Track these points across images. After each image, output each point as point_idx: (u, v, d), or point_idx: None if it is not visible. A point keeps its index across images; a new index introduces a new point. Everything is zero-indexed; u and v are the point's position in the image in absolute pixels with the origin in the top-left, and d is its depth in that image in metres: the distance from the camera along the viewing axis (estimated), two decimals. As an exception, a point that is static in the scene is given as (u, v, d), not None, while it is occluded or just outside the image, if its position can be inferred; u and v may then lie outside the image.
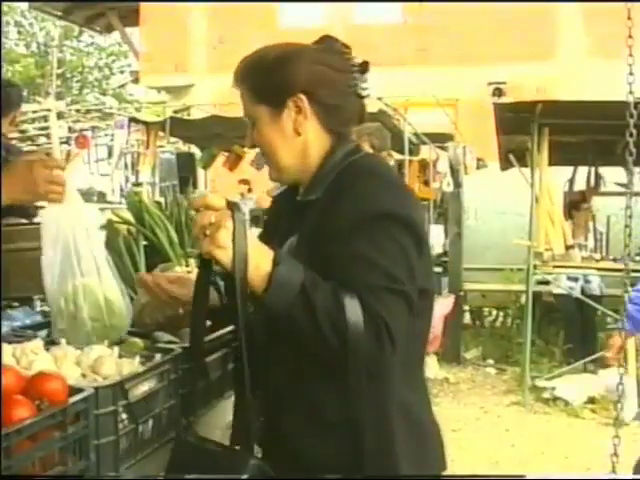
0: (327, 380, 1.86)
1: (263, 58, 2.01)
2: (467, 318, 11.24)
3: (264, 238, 2.09)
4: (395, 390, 1.93)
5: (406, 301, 1.78)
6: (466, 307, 10.92)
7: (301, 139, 1.98)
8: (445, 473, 2.08)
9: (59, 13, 23.36)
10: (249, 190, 14.17)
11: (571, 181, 10.28)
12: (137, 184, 13.43)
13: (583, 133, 8.69)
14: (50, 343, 2.28)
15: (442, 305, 8.61)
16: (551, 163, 8.49)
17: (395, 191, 1.92)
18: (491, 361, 9.68)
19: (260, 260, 1.75)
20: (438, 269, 10.09)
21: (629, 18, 3.98)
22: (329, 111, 1.99)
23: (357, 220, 1.81)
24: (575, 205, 9.43)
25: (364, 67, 2.03)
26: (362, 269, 1.75)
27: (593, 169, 10.10)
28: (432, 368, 8.58)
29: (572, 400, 7.75)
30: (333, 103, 1.98)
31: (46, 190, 2.26)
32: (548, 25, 18.12)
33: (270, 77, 1.96)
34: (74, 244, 2.38)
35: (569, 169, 10.26)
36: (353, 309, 1.72)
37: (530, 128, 8.09)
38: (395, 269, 1.77)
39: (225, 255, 1.70)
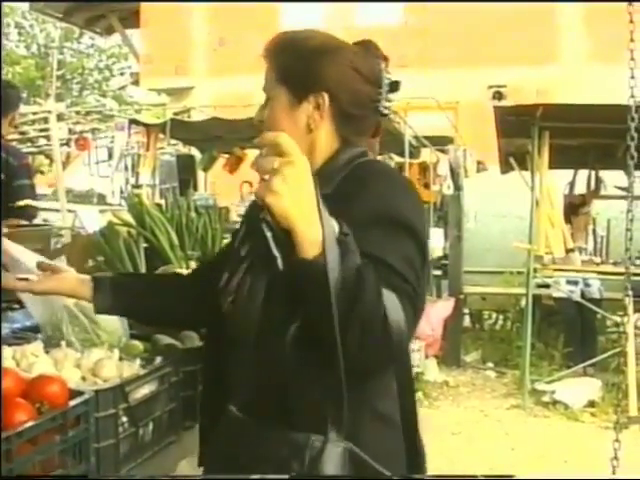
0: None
1: (302, 41, 1.98)
2: (467, 321, 11.22)
3: (232, 244, 2.12)
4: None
5: (414, 303, 1.75)
6: (466, 310, 10.91)
7: (311, 136, 1.95)
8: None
9: (59, 15, 23.37)
10: (250, 192, 14.17)
11: (571, 184, 10.26)
12: (137, 186, 13.42)
13: (584, 136, 8.67)
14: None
15: (442, 308, 8.61)
16: (551, 166, 8.48)
17: (406, 196, 1.90)
18: (491, 364, 9.66)
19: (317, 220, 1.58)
20: (438, 272, 10.10)
21: (631, 21, 3.98)
22: (345, 118, 1.96)
23: (371, 220, 1.78)
24: (575, 208, 9.42)
25: (394, 86, 2.02)
26: (375, 267, 1.66)
27: (593, 172, 10.08)
28: (432, 371, 8.57)
29: (572, 404, 7.74)
30: (352, 112, 1.96)
31: None
32: (549, 28, 18.11)
33: (301, 65, 1.94)
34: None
35: (569, 172, 10.24)
36: (393, 304, 1.67)
37: (530, 131, 8.08)
38: (405, 270, 1.74)
39: (277, 201, 1.52)
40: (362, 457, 1.71)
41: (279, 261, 1.59)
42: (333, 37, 2.01)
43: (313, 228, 1.56)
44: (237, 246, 2.05)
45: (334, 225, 1.60)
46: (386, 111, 2.01)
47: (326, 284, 1.56)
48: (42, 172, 16.04)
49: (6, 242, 2.45)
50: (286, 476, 1.77)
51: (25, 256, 2.42)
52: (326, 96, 1.92)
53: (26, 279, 2.17)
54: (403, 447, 1.85)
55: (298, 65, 1.94)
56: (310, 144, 1.95)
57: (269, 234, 1.58)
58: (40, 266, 2.24)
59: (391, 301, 1.64)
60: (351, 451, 1.70)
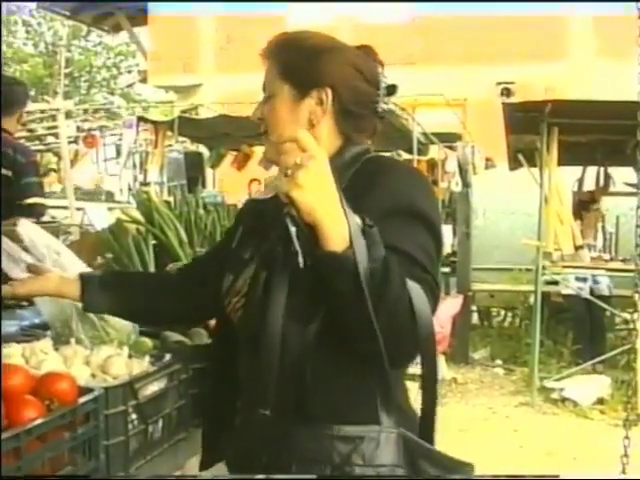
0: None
1: (304, 40, 1.99)
2: (475, 318, 11.21)
3: (226, 244, 2.13)
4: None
5: (434, 292, 1.76)
6: (474, 307, 10.89)
7: (312, 131, 1.91)
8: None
9: (67, 13, 23.37)
10: (258, 190, 14.17)
11: (580, 181, 10.23)
12: (145, 183, 13.42)
13: (592, 133, 8.65)
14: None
15: (450, 305, 8.59)
16: (560, 163, 8.45)
17: (420, 188, 1.91)
18: (499, 361, 9.66)
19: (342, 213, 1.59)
20: (446, 269, 10.09)
21: (640, 17, 3.97)
22: (346, 115, 1.97)
23: (387, 212, 1.78)
24: (584, 205, 9.40)
25: (391, 90, 2.03)
26: (395, 258, 1.67)
27: (602, 169, 10.05)
28: (440, 368, 8.55)
29: (581, 401, 7.73)
30: (352, 109, 1.97)
31: None
32: (557, 25, 18.06)
33: (304, 61, 1.95)
34: (58, 264, 2.38)
35: (578, 169, 10.22)
36: (417, 293, 1.67)
37: (539, 128, 8.06)
38: (424, 260, 1.76)
39: (302, 196, 1.53)
40: (414, 440, 1.73)
41: (300, 257, 1.59)
42: (334, 38, 2.03)
43: (339, 221, 1.57)
44: (236, 247, 2.05)
45: (357, 218, 1.61)
46: (383, 113, 2.03)
47: (356, 276, 1.57)
48: (55, 170, 16.03)
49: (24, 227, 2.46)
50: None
51: (39, 238, 2.44)
52: (329, 92, 1.94)
53: (8, 284, 2.18)
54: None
55: (302, 61, 1.95)
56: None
57: (293, 229, 1.59)
58: (29, 268, 2.25)
59: (416, 291, 1.66)
60: (404, 436, 1.72)
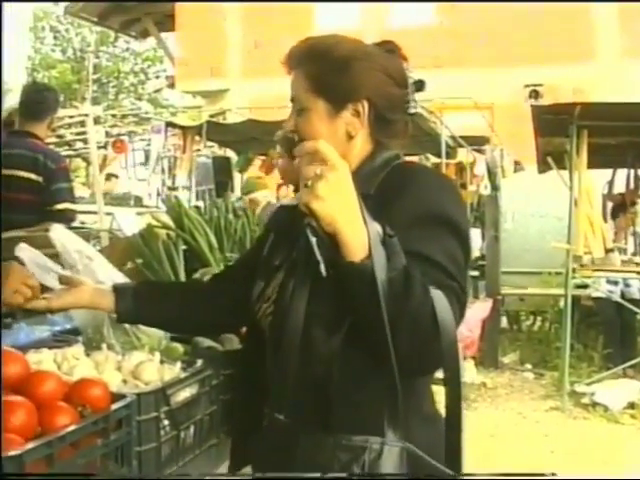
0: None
1: (332, 49, 1.95)
2: (504, 322, 11.14)
3: (257, 251, 2.12)
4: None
5: (460, 299, 1.75)
6: (503, 311, 10.83)
7: (350, 143, 1.94)
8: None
9: (95, 19, 23.55)
10: (286, 195, 14.20)
11: (610, 183, 10.16)
12: (173, 188, 13.47)
13: (622, 135, 8.59)
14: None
15: (480, 309, 8.55)
16: (590, 165, 8.40)
17: (448, 194, 1.90)
18: (529, 366, 9.59)
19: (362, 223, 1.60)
20: (475, 273, 10.04)
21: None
22: (382, 123, 1.96)
23: (415, 218, 1.78)
24: (615, 208, 9.33)
25: (419, 85, 2.01)
26: (420, 265, 1.68)
27: (633, 171, 9.98)
28: (469, 373, 8.51)
29: (612, 405, 7.66)
30: (387, 116, 1.96)
31: (11, 300, 2.17)
32: (584, 26, 17.99)
33: (337, 74, 1.92)
34: (89, 269, 2.39)
35: (608, 171, 10.15)
36: (440, 302, 1.66)
37: (568, 130, 8.00)
38: (450, 267, 1.75)
39: (322, 207, 1.54)
40: (419, 455, 1.70)
41: (322, 266, 1.59)
42: (360, 41, 2.01)
43: (358, 231, 1.58)
44: (267, 254, 2.05)
45: (377, 227, 1.61)
46: (413, 110, 2.01)
47: (374, 286, 1.57)
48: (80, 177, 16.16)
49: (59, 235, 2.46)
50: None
51: (71, 243, 2.44)
52: (366, 103, 1.92)
53: (43, 298, 2.18)
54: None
55: (334, 75, 1.92)
56: (347, 149, 1.95)
57: (314, 239, 1.59)
58: (60, 280, 2.25)
59: (439, 299, 1.64)
60: (408, 450, 1.70)
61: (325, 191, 1.54)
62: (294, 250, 1.88)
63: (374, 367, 1.70)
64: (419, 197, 1.84)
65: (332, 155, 1.57)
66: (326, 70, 1.93)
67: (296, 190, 1.90)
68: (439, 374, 1.74)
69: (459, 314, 1.74)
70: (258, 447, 1.91)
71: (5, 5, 4.42)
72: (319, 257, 1.59)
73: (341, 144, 1.92)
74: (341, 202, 1.56)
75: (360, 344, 1.72)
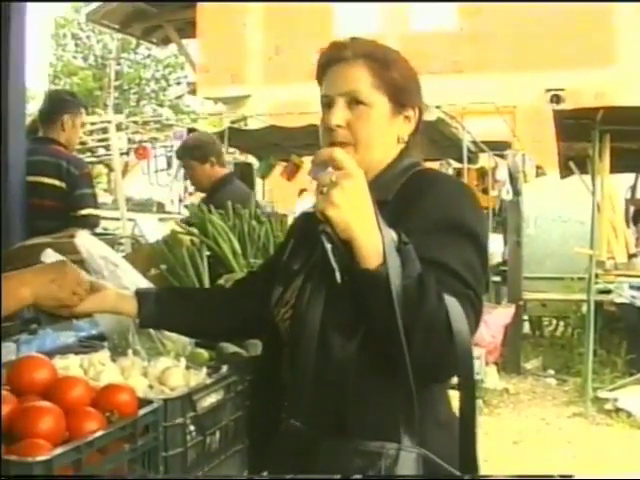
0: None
1: (394, 53, 1.99)
2: (527, 328, 11.10)
3: (279, 257, 2.14)
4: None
5: (476, 307, 1.76)
6: (526, 317, 10.78)
7: (397, 147, 1.98)
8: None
9: (116, 26, 23.66)
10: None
11: (633, 188, 10.11)
12: (193, 193, 13.49)
13: (645, 139, 8.54)
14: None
15: (502, 315, 8.52)
16: (612, 170, 8.36)
17: (466, 201, 1.91)
18: (552, 371, 9.55)
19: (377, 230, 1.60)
20: (497, 278, 10.02)
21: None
22: (416, 131, 2.02)
23: (432, 225, 1.80)
24: (638, 213, 9.28)
25: None
26: (437, 272, 1.69)
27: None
28: (491, 378, 8.48)
29: (635, 411, 7.61)
30: (420, 126, 2.02)
31: (69, 302, 2.16)
32: (606, 30, 17.91)
33: (404, 78, 1.96)
34: (115, 276, 2.40)
35: (630, 176, 10.10)
36: (455, 310, 1.67)
37: (591, 135, 7.96)
38: (466, 275, 1.75)
39: (337, 214, 1.55)
40: (435, 461, 1.71)
41: (337, 273, 1.60)
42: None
43: (373, 238, 1.59)
44: (287, 259, 2.06)
45: (392, 234, 1.62)
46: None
47: (388, 293, 1.58)
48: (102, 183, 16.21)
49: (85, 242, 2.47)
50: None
51: (96, 249, 2.46)
52: (417, 111, 1.98)
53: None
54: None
55: (401, 76, 1.95)
56: (391, 154, 1.99)
57: (329, 246, 1.60)
58: None
59: (453, 307, 1.65)
60: (424, 456, 1.69)
61: (340, 198, 1.55)
62: (313, 255, 1.89)
63: (390, 373, 1.69)
64: (437, 204, 1.85)
65: (348, 162, 1.58)
66: (393, 69, 1.95)
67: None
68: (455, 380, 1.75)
69: (474, 322, 1.75)
70: (275, 453, 1.91)
71: (28, 11, 4.47)
72: (334, 264, 1.60)
73: (391, 147, 1.97)
74: (356, 209, 1.57)
75: (376, 350, 1.73)
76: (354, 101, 1.92)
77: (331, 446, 1.76)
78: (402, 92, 1.95)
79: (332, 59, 1.96)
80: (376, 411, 1.79)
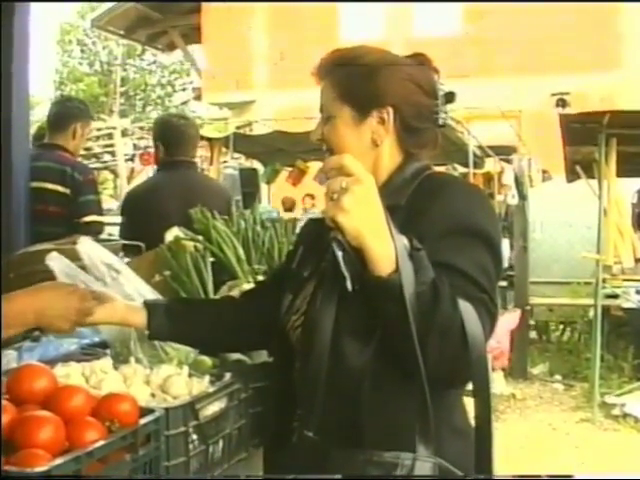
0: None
1: (359, 58, 1.97)
2: (533, 333, 11.07)
3: (287, 266, 2.14)
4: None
5: (491, 311, 1.75)
6: (532, 322, 10.76)
7: (376, 151, 1.95)
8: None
9: (122, 32, 23.69)
10: (312, 205, 14.22)
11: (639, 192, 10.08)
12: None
13: (652, 143, 8.51)
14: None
15: (508, 320, 8.48)
16: (619, 174, 8.33)
17: (480, 205, 1.90)
18: (559, 377, 9.52)
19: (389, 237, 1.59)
20: (504, 283, 9.98)
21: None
22: (408, 131, 1.97)
23: (446, 229, 1.79)
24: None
25: (450, 97, 2.01)
26: (451, 276, 1.68)
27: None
28: (498, 384, 8.45)
29: (643, 417, 7.59)
30: (414, 125, 1.96)
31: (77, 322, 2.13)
32: (612, 34, 17.89)
33: (363, 80, 1.93)
34: (117, 283, 2.38)
35: (637, 180, 10.06)
36: (469, 315, 1.65)
37: (597, 139, 7.93)
38: (481, 279, 1.74)
39: (348, 220, 1.53)
40: (451, 471, 1.69)
41: (348, 281, 1.58)
42: (388, 52, 2.02)
43: (385, 245, 1.57)
44: (297, 266, 2.05)
45: (404, 241, 1.60)
46: (443, 122, 2.02)
47: (402, 300, 1.56)
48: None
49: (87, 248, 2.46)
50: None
51: (99, 256, 2.44)
52: (391, 110, 1.93)
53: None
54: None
55: (360, 81, 1.94)
56: (375, 159, 1.96)
57: (340, 254, 1.58)
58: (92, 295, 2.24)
59: (468, 312, 1.64)
60: (440, 466, 1.68)
61: (351, 204, 1.53)
62: (323, 262, 1.87)
63: (404, 381, 1.68)
64: (450, 208, 1.83)
65: (358, 168, 1.56)
66: (352, 77, 1.94)
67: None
68: (470, 386, 1.73)
69: (489, 326, 1.74)
70: (288, 463, 1.89)
71: (31, 16, 4.45)
72: (345, 272, 1.59)
73: (367, 152, 1.94)
74: (367, 215, 1.55)
75: (389, 358, 1.71)
76: (326, 115, 1.98)
77: (345, 457, 1.74)
78: (366, 97, 1.93)
79: (318, 77, 2.02)
80: (391, 420, 1.77)
